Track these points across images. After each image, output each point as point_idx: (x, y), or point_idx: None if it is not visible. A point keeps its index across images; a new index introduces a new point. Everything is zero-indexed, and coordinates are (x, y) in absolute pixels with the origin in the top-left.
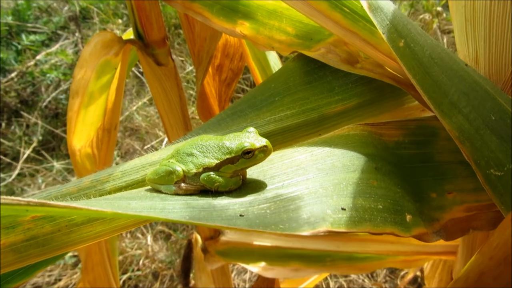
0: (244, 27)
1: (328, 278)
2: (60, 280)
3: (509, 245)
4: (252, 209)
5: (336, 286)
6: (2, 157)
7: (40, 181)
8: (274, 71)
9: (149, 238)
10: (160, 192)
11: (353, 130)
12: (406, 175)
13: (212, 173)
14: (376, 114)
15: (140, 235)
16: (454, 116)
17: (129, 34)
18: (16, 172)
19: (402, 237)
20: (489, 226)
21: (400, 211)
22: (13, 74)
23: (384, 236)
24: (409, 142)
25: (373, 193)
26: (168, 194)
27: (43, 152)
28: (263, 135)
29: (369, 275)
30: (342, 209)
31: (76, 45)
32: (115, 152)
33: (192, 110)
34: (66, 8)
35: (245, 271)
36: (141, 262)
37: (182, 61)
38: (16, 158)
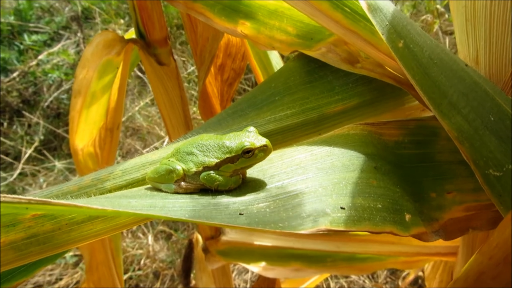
0: (245, 27)
1: (329, 278)
2: (61, 279)
3: (508, 244)
4: (252, 207)
5: (336, 287)
6: (3, 156)
7: (41, 180)
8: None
9: (150, 237)
10: (160, 190)
11: (353, 130)
12: (405, 175)
13: (212, 172)
14: (376, 114)
15: (141, 235)
16: (453, 116)
17: (131, 34)
18: (18, 171)
19: (401, 236)
20: (489, 226)
21: (399, 211)
22: (15, 74)
23: (385, 237)
24: (409, 142)
25: (373, 192)
26: (168, 192)
27: (45, 152)
28: (263, 134)
29: (370, 276)
30: (342, 208)
31: (78, 45)
32: (116, 152)
33: (193, 110)
34: (68, 8)
35: (246, 271)
36: (142, 261)
37: (183, 61)
38: (17, 158)
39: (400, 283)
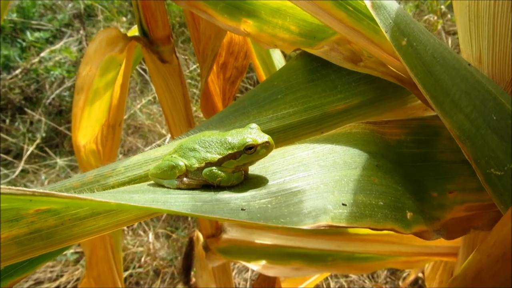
0: (247, 25)
1: (329, 278)
2: (62, 276)
3: (506, 242)
4: (254, 203)
5: (336, 287)
6: (5, 154)
7: (43, 177)
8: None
9: (151, 235)
10: (162, 186)
11: (355, 128)
12: (407, 174)
13: (214, 168)
14: (379, 113)
15: (142, 233)
16: (455, 115)
17: (134, 32)
18: (20, 168)
19: (402, 233)
20: (490, 225)
21: (401, 208)
22: (17, 71)
23: (385, 236)
24: (411, 141)
25: (374, 190)
26: (170, 188)
27: (47, 149)
28: (265, 132)
29: (370, 276)
30: (343, 204)
31: (80, 43)
32: (118, 150)
33: (195, 108)
34: (70, 5)
35: (246, 269)
36: (142, 259)
37: (185, 59)
38: (19, 155)
39: (400, 283)
